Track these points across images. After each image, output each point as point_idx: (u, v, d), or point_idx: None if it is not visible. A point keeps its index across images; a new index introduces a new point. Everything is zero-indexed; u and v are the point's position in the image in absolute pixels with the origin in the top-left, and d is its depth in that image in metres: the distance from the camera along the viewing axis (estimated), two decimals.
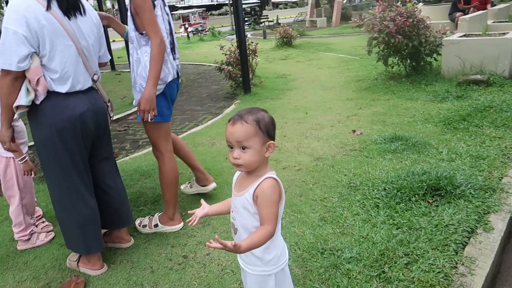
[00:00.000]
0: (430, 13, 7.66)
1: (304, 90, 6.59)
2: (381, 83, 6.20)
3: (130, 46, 2.41)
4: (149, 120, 2.36)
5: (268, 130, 1.37)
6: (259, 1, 27.40)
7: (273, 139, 1.38)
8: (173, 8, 31.58)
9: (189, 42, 19.67)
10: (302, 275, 2.07)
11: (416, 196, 2.64)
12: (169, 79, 2.45)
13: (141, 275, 2.22)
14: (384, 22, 5.88)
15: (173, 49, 2.49)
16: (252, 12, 25.99)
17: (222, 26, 27.48)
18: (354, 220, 2.52)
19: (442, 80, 5.68)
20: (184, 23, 25.42)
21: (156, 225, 2.64)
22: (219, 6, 38.96)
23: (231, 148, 1.36)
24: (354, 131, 4.19)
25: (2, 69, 1.89)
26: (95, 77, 2.21)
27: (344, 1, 25.16)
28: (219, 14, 39.62)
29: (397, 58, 6.25)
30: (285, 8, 48.52)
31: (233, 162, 1.35)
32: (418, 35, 5.80)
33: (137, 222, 2.72)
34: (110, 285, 2.17)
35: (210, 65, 10.68)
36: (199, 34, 23.00)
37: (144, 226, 2.67)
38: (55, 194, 2.19)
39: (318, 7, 23.90)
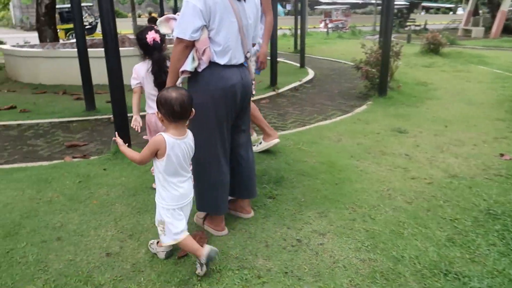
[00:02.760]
0: None
1: (446, 101, 6.04)
2: None
3: None
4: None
5: (157, 101, 1.96)
6: (408, 3, 25.73)
7: (161, 112, 1.95)
8: (316, 3, 31.71)
9: (327, 38, 19.64)
10: None
11: None
12: None
13: (256, 246, 2.34)
14: None
15: None
16: (399, 14, 24.62)
17: (364, 26, 26.72)
18: (488, 250, 2.25)
19: None
20: (325, 18, 25.39)
21: (260, 142, 3.65)
22: (364, 4, 37.79)
23: None
24: (502, 154, 3.71)
25: (176, 37, 2.15)
26: (248, 55, 2.38)
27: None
28: (363, 13, 38.48)
29: None
30: (436, 13, 44.75)
31: None
32: None
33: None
34: (228, 247, 2.34)
35: (345, 63, 10.51)
36: (338, 31, 22.75)
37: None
38: (196, 155, 2.40)
39: (475, 15, 21.53)
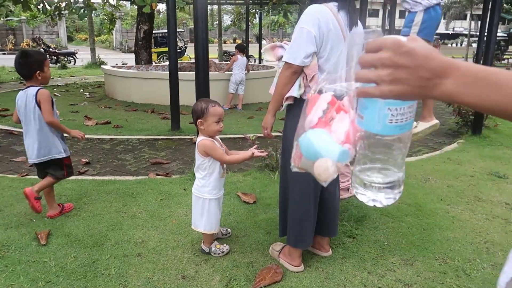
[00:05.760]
0: None
1: None
2: None
3: None
4: None
5: None
6: (506, 34, 23.87)
7: None
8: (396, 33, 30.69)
9: None
10: None
11: None
12: None
13: None
14: None
15: None
16: (496, 46, 22.89)
17: (453, 57, 25.23)
18: None
19: None
20: None
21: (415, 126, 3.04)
22: (455, 35, 35.85)
23: (219, 121, 2.34)
24: None
25: (286, 62, 2.12)
26: None
27: None
28: (453, 44, 36.48)
29: None
30: None
31: (221, 129, 2.36)
32: None
33: None
34: (304, 286, 2.22)
35: None
36: None
37: None
38: (289, 184, 2.35)
39: None
